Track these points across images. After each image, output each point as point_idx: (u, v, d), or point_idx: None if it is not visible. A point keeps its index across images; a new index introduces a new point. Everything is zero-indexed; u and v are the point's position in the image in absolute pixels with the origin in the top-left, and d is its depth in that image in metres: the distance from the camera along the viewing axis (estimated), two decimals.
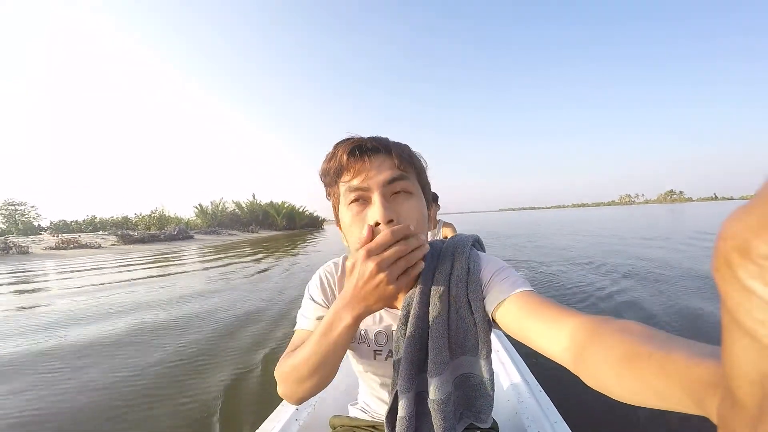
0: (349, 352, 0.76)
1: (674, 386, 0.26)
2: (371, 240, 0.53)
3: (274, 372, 0.64)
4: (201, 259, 11.87)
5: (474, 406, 0.69)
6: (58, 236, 20.72)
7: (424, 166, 0.67)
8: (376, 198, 0.57)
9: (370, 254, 0.51)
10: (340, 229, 0.65)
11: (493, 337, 1.09)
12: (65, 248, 18.94)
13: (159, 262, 11.32)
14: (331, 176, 0.62)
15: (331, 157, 0.61)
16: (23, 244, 18.04)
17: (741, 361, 0.14)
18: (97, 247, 19.75)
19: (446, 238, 1.13)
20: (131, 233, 23.13)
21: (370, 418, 0.83)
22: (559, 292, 4.38)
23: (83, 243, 20.13)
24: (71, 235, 22.85)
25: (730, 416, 0.16)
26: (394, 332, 0.68)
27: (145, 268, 9.38)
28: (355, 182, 0.58)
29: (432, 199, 0.72)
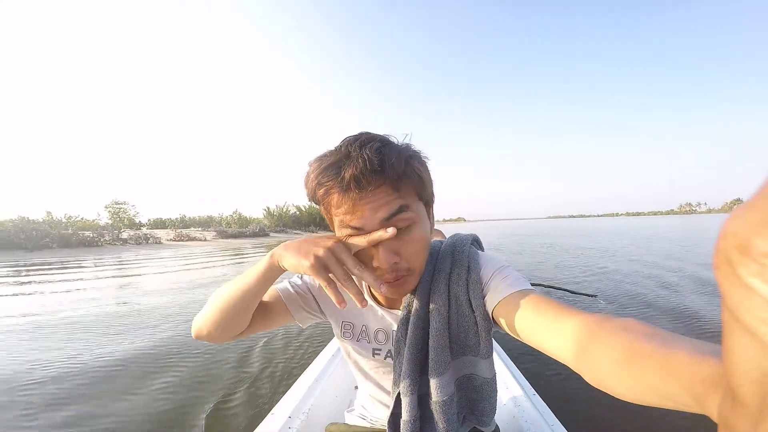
0: (348, 352, 0.76)
1: (675, 385, 0.25)
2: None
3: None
4: None
5: (477, 409, 0.68)
6: (175, 231, 26.34)
7: (425, 167, 0.59)
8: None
9: (343, 247, 0.53)
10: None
11: None
12: (181, 240, 24.29)
13: None
14: (317, 203, 0.58)
15: (315, 187, 0.55)
16: (157, 236, 23.59)
17: (742, 359, 0.14)
18: (203, 240, 24.98)
19: None
20: (226, 230, 28.55)
21: (368, 425, 0.81)
22: None
23: (193, 237, 25.49)
24: (180, 231, 28.51)
25: (731, 415, 0.16)
26: (394, 332, 0.67)
27: None
28: (347, 220, 0.53)
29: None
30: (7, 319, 3.95)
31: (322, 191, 0.54)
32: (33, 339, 3.21)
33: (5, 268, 10.08)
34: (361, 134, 0.55)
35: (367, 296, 0.71)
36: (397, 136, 0.58)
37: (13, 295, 5.67)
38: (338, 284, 0.53)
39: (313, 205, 0.61)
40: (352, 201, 0.52)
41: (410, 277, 0.58)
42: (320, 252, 0.52)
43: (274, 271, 0.59)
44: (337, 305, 0.50)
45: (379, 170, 0.50)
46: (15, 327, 3.60)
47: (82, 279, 7.44)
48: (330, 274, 0.53)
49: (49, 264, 11.30)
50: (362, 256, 0.56)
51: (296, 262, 0.53)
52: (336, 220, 0.56)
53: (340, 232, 0.56)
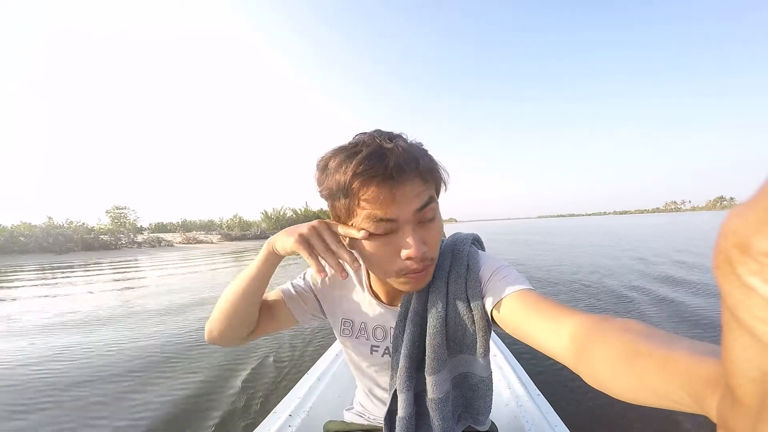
0: (346, 348, 0.76)
1: (674, 385, 0.25)
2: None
3: None
4: None
5: (472, 407, 0.69)
6: (184, 235, 28.20)
7: (446, 177, 0.61)
8: (408, 230, 0.53)
9: (325, 226, 0.58)
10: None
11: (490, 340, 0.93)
12: (190, 243, 26.11)
13: None
14: (340, 197, 0.54)
15: (350, 179, 0.51)
16: (168, 239, 25.48)
17: (741, 358, 0.14)
18: (210, 243, 26.94)
19: None
20: (229, 233, 30.57)
21: (366, 422, 0.82)
22: None
23: (200, 240, 27.46)
24: (188, 234, 30.26)
25: (730, 415, 0.16)
26: (392, 329, 0.68)
27: None
28: (380, 213, 0.52)
29: None
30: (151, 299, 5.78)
31: (358, 182, 0.51)
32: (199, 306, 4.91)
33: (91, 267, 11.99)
34: (377, 130, 0.56)
35: (367, 292, 0.71)
36: (406, 135, 0.58)
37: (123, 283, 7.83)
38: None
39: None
40: (389, 189, 0.51)
41: (431, 267, 0.60)
42: (305, 230, 0.57)
43: (272, 257, 0.62)
44: (317, 274, 0.54)
45: (414, 161, 0.52)
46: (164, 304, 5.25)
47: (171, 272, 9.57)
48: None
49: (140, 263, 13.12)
50: (391, 249, 0.54)
51: (285, 241, 0.58)
52: (362, 214, 0.53)
53: (364, 225, 0.53)
